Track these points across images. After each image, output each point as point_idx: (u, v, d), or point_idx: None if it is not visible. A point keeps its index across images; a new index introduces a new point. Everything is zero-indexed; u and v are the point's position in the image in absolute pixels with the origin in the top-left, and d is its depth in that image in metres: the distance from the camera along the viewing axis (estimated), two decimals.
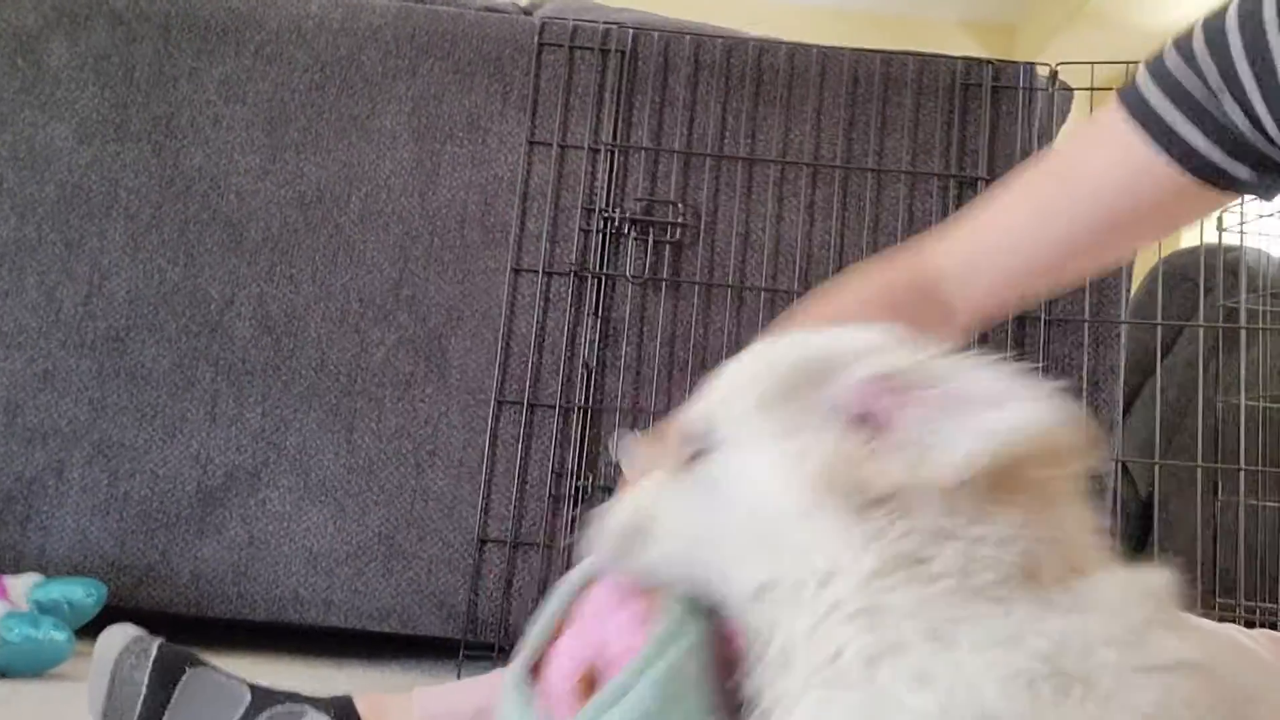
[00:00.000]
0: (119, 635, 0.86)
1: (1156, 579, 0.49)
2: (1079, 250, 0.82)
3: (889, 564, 0.46)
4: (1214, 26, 0.74)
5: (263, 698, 0.82)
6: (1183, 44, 0.76)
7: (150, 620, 1.44)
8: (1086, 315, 1.50)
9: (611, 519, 0.57)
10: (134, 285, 1.49)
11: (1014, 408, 0.47)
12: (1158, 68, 0.77)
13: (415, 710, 0.83)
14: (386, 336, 1.49)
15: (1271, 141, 0.73)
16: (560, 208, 1.53)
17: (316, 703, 0.83)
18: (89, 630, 1.26)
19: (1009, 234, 0.83)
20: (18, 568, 1.40)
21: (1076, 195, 0.80)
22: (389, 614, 1.44)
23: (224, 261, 1.50)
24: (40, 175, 1.50)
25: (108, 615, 1.34)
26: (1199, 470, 1.71)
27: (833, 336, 0.56)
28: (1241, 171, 0.75)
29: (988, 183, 1.52)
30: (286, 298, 1.50)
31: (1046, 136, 1.62)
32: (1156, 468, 1.83)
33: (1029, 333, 1.51)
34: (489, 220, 1.52)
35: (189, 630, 1.47)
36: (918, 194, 1.54)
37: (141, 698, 0.82)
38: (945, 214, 1.52)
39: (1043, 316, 1.50)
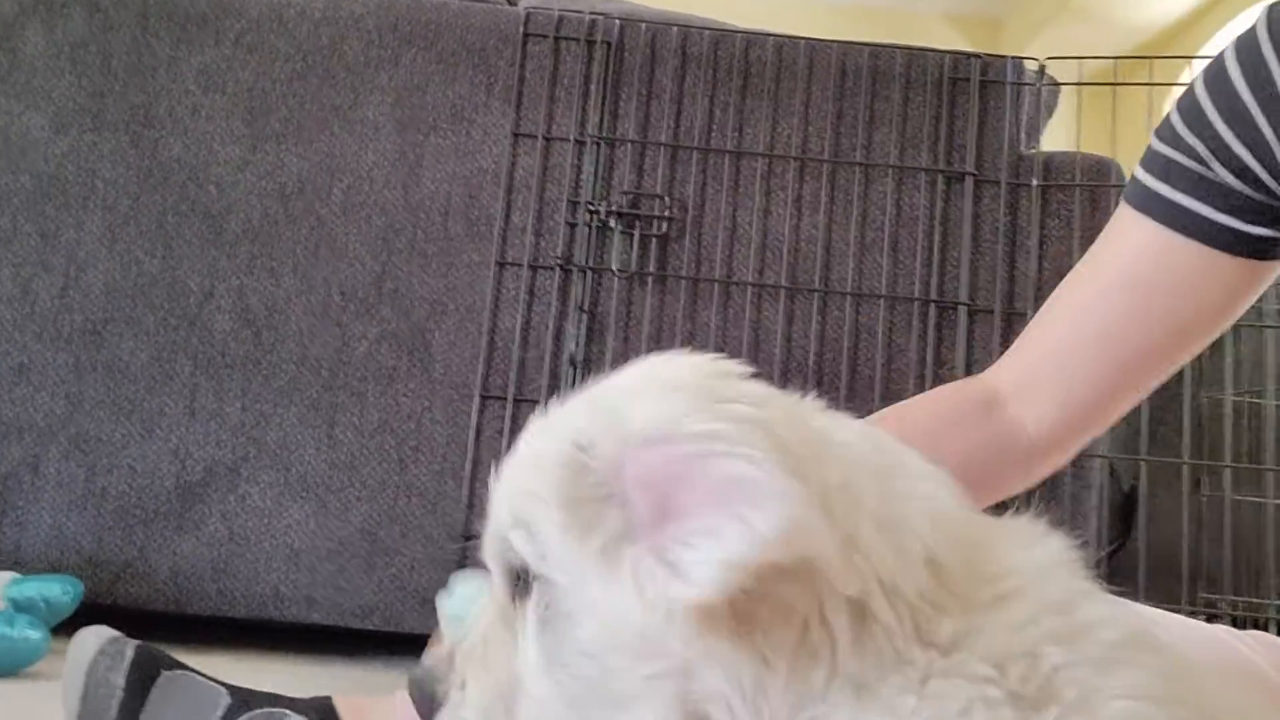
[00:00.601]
0: (93, 637, 0.85)
1: (1048, 546, 0.45)
2: (1135, 341, 0.80)
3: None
4: (1188, 100, 0.77)
5: (241, 700, 0.81)
6: (1163, 130, 0.78)
7: (129, 618, 1.43)
8: None
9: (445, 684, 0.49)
10: (111, 277, 1.47)
11: (745, 524, 0.38)
12: (1148, 157, 0.79)
13: (398, 712, 0.82)
14: (369, 330, 1.47)
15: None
16: (545, 201, 1.51)
17: (296, 705, 0.81)
18: (66, 628, 1.24)
19: (1054, 337, 0.82)
20: None
21: (1111, 285, 0.80)
22: (372, 611, 1.42)
23: (203, 253, 1.48)
24: (15, 165, 1.47)
25: (85, 613, 1.32)
26: (1184, 466, 1.71)
27: (591, 397, 0.47)
28: (1262, 230, 0.75)
29: (975, 178, 1.52)
30: (267, 290, 1.48)
31: (1034, 131, 1.62)
32: (1142, 463, 1.83)
33: (1016, 329, 1.51)
34: (473, 213, 1.51)
35: (168, 628, 1.45)
36: (905, 188, 1.53)
37: (117, 701, 0.80)
38: (933, 208, 1.52)
39: (1028, 313, 1.50)
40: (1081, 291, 0.83)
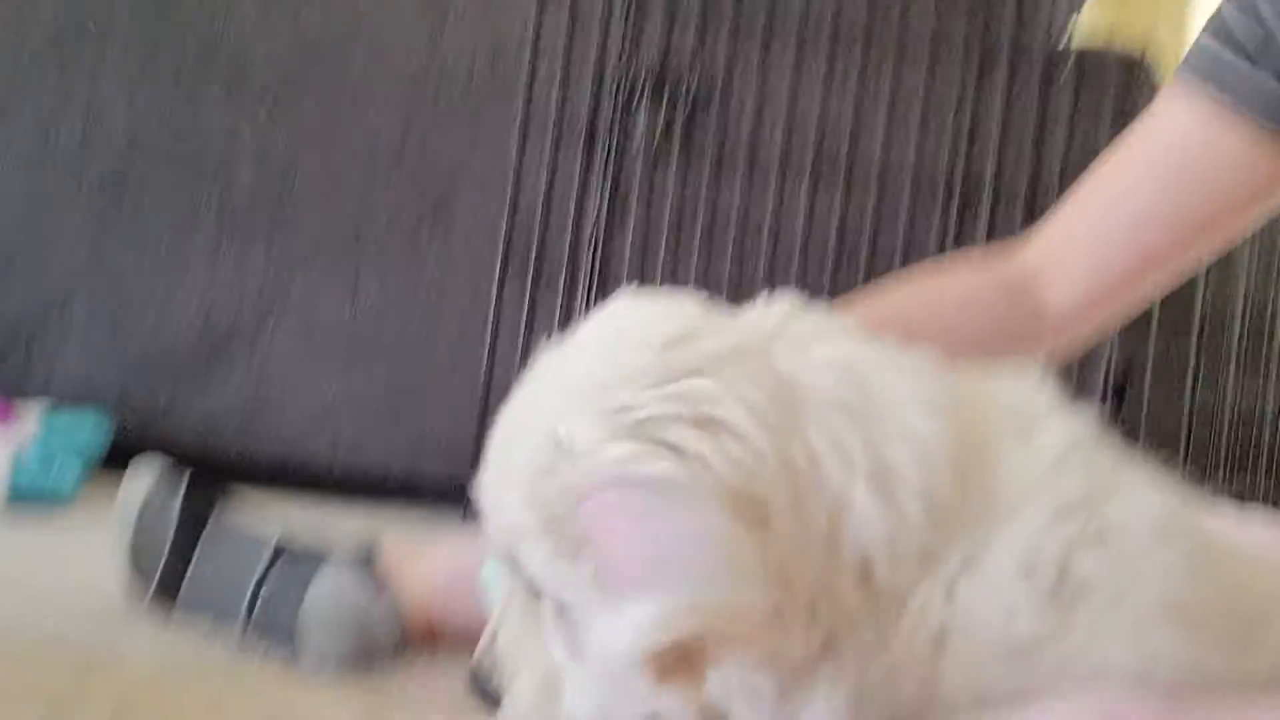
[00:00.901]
0: (148, 467, 0.89)
1: (1054, 430, 0.45)
2: (1167, 230, 0.79)
3: None
4: None
5: (290, 540, 0.85)
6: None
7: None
8: None
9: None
10: (132, 126, 1.46)
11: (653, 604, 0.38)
12: (1215, 23, 0.77)
13: (439, 561, 0.86)
14: (391, 192, 1.47)
15: None
16: (571, 68, 1.48)
17: (341, 547, 0.86)
18: (93, 466, 1.29)
19: (1092, 220, 0.81)
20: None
21: (1147, 166, 0.79)
22: (394, 463, 1.47)
23: (224, 106, 1.46)
24: (33, 7, 1.44)
25: (114, 453, 1.37)
26: (1191, 353, 1.73)
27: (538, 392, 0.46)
28: None
29: (1010, 62, 1.49)
30: (289, 146, 1.47)
31: (1071, 17, 1.58)
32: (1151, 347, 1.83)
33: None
34: (497, 77, 1.48)
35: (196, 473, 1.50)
36: (938, 69, 1.50)
37: (175, 526, 0.85)
38: (964, 91, 1.49)
39: None
40: (1119, 174, 0.82)
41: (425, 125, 1.47)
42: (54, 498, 1.23)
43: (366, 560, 0.85)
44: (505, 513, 0.45)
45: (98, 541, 1.10)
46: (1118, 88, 1.50)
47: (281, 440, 1.46)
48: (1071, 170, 1.49)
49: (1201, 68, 0.77)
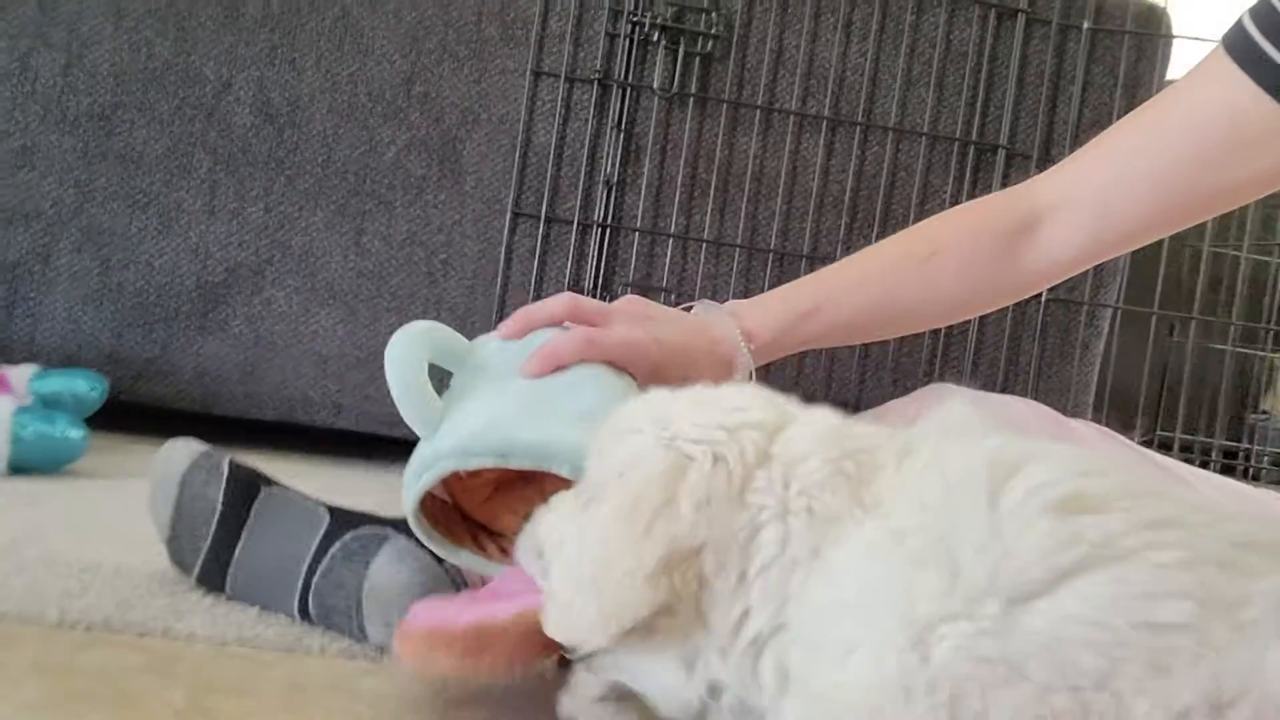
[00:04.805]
0: (184, 449, 0.84)
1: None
2: (1175, 187, 0.80)
3: None
4: None
5: (342, 519, 0.82)
6: None
7: (153, 416, 1.42)
8: None
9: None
10: (119, 58, 1.37)
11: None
12: (1260, 8, 0.76)
13: None
14: (397, 135, 1.41)
15: None
16: (585, 6, 1.43)
17: (397, 524, 0.83)
18: (90, 424, 1.24)
19: (1109, 165, 0.82)
20: (8, 357, 1.34)
21: (1176, 129, 0.79)
22: (399, 419, 1.43)
23: (219, 38, 1.38)
24: None
25: (109, 409, 1.31)
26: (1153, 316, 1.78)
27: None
28: None
29: (1028, 15, 1.48)
30: (289, 84, 1.39)
31: None
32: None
33: None
34: (509, 16, 1.42)
35: (194, 426, 1.45)
36: (956, 22, 1.48)
37: (217, 515, 0.81)
38: (982, 45, 1.48)
39: None
40: (1144, 128, 0.83)
41: (432, 65, 1.41)
42: (57, 464, 1.18)
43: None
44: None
45: (115, 508, 1.06)
46: (1134, 37, 1.49)
47: (282, 397, 1.41)
48: (1085, 123, 1.49)
49: (1240, 54, 0.77)
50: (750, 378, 0.80)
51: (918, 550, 0.43)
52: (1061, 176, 0.86)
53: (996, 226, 0.86)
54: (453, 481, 0.73)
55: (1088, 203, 0.83)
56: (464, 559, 0.71)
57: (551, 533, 0.55)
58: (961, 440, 0.48)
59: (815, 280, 0.87)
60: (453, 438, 0.67)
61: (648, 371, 0.73)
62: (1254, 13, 0.78)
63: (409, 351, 0.74)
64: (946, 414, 0.52)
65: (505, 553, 0.71)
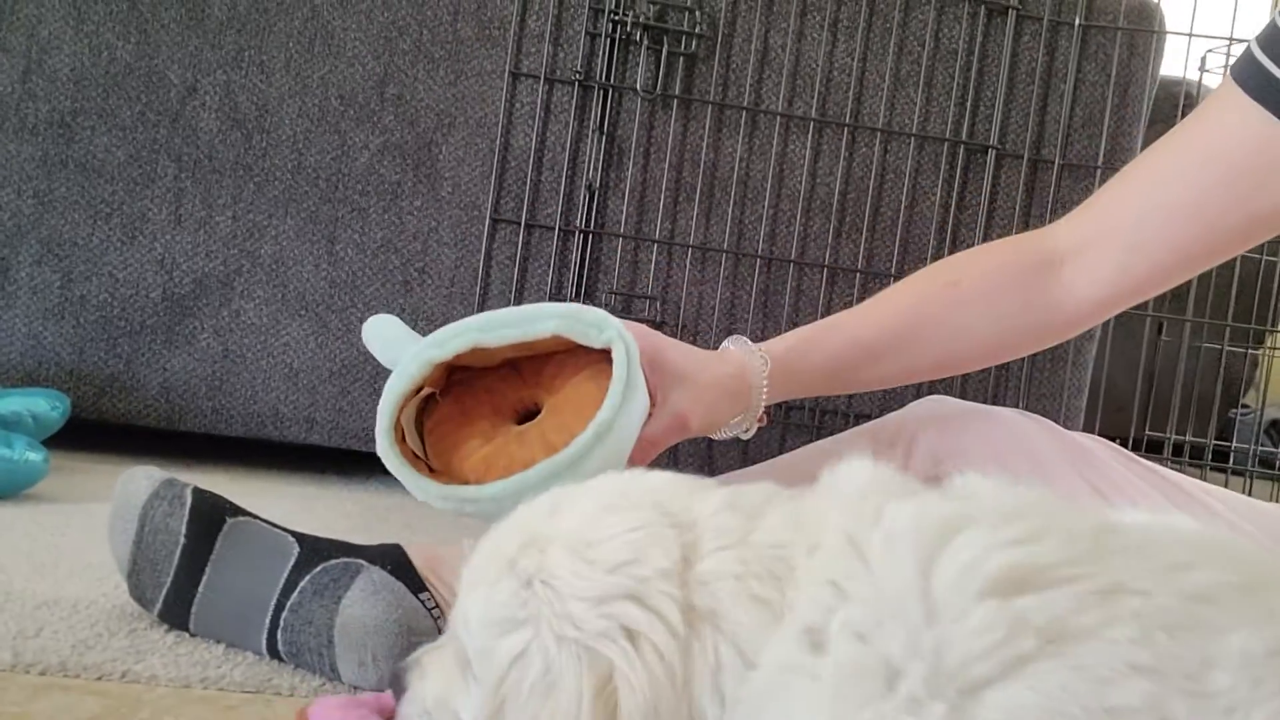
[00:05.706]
0: (144, 479, 0.79)
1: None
2: (1206, 217, 0.78)
3: None
4: None
5: (311, 549, 0.78)
6: None
7: (117, 433, 1.37)
8: None
9: None
10: (80, 63, 1.31)
11: None
12: (1269, 35, 0.75)
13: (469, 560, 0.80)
14: (370, 139, 1.36)
15: None
16: (565, 6, 1.38)
17: (366, 553, 0.78)
18: (51, 444, 1.18)
19: (1135, 199, 0.80)
20: None
21: (1199, 160, 0.77)
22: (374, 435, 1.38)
23: (184, 41, 1.33)
24: None
25: (71, 428, 1.26)
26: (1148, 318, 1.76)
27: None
28: None
29: (1018, 12, 1.44)
30: (257, 88, 1.34)
31: None
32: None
33: (1042, 177, 1.47)
34: (485, 15, 1.37)
35: (160, 445, 1.40)
36: (945, 20, 1.45)
37: (180, 548, 0.76)
38: (971, 43, 1.44)
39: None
40: (1166, 162, 0.81)
41: (406, 67, 1.36)
42: (15, 489, 1.12)
43: (399, 562, 0.78)
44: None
45: (77, 535, 1.01)
46: (1125, 34, 1.46)
47: (252, 412, 1.36)
48: (1076, 123, 1.46)
49: (1252, 85, 0.76)
50: (764, 379, 0.80)
51: (846, 660, 0.40)
52: (1087, 213, 0.85)
53: (1021, 260, 0.85)
54: (427, 420, 0.77)
55: (1114, 238, 0.81)
56: (432, 491, 0.71)
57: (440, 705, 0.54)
58: (867, 510, 0.45)
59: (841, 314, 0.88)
60: (428, 339, 0.74)
61: (650, 351, 0.75)
62: (1263, 41, 0.76)
63: (384, 319, 0.80)
64: (843, 479, 0.49)
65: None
